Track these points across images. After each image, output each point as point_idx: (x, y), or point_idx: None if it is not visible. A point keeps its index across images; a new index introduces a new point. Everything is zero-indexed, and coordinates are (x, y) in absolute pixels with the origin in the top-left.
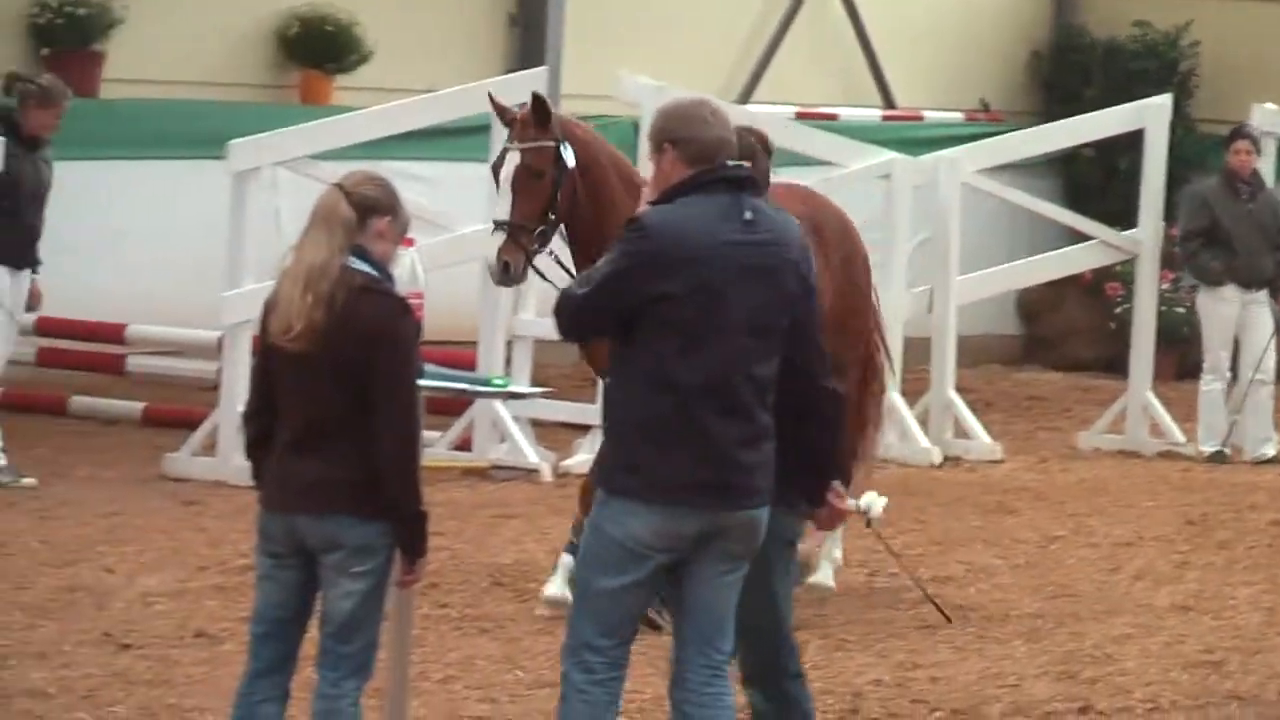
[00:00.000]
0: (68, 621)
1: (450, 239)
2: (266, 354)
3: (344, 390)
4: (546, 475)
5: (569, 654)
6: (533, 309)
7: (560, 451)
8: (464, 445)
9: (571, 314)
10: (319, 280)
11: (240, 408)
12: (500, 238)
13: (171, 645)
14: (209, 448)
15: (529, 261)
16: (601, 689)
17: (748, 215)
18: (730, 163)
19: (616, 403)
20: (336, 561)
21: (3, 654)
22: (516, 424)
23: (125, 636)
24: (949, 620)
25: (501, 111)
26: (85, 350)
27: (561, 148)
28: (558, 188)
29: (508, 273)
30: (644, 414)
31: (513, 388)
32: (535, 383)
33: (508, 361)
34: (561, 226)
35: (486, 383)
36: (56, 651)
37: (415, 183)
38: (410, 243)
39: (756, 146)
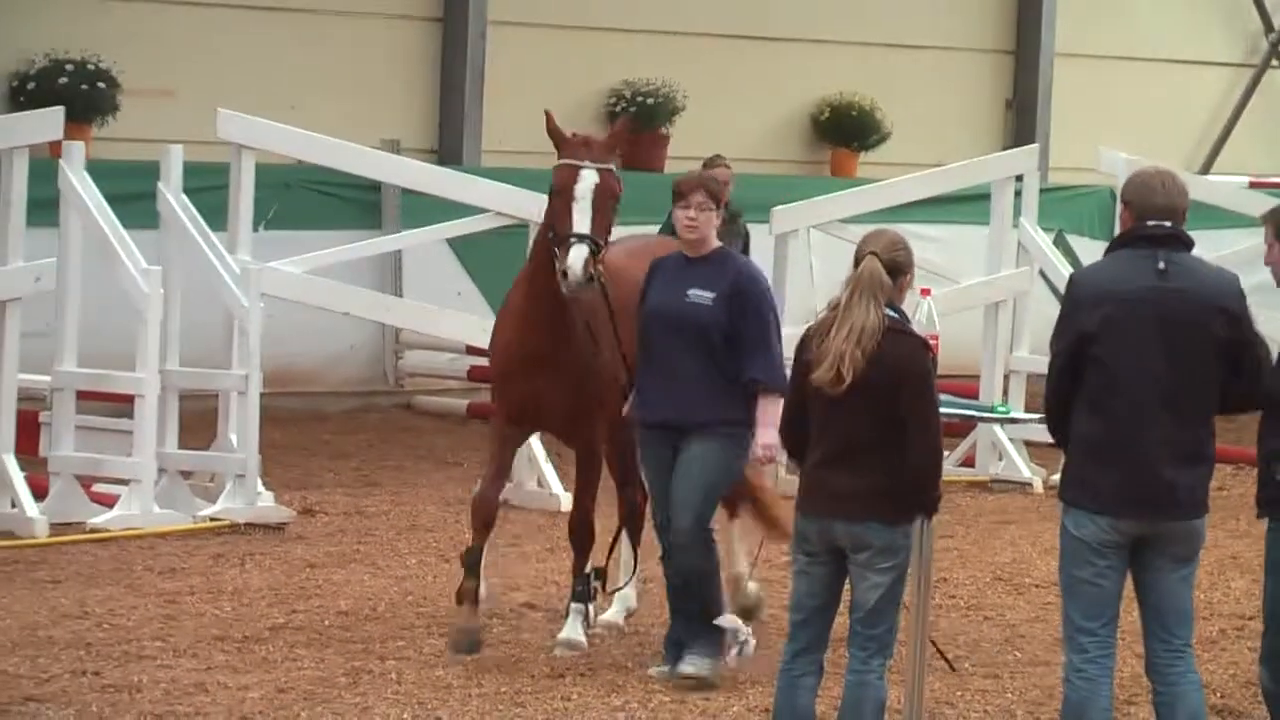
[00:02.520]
0: (645, 608)
1: (957, 289)
2: (804, 386)
3: (877, 416)
4: (1038, 488)
5: (1066, 642)
6: (1026, 347)
7: (1049, 468)
8: (968, 462)
9: (1047, 398)
10: (870, 339)
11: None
12: (585, 249)
13: None
14: None
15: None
16: (1096, 666)
17: (1161, 265)
18: (1150, 223)
19: (1072, 426)
20: (866, 559)
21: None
22: (1013, 445)
23: None
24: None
25: (556, 132)
26: None
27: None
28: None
29: (592, 283)
30: (1085, 436)
31: (1012, 414)
32: (1028, 410)
33: (1005, 391)
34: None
35: (990, 410)
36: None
37: (927, 242)
38: (927, 292)
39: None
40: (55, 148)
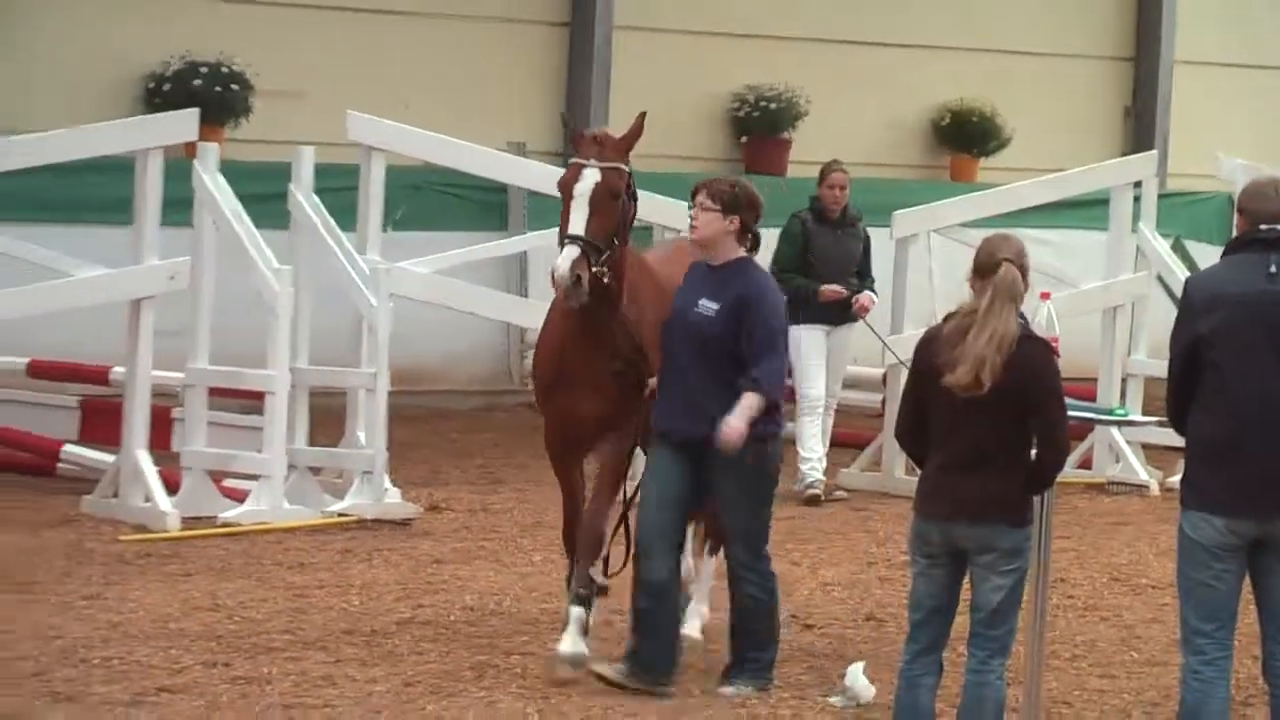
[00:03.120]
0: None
1: (1076, 293)
2: (925, 388)
3: (1005, 420)
4: (1154, 490)
5: (1183, 643)
6: (1144, 350)
7: (1166, 470)
8: (1085, 464)
9: (1168, 401)
10: (1010, 346)
11: None
12: (575, 250)
13: (846, 626)
14: (874, 464)
15: (592, 280)
16: (1212, 668)
17: (1272, 269)
18: (1264, 227)
19: (1189, 429)
20: (990, 561)
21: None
22: (1130, 447)
23: (808, 618)
24: None
25: (578, 134)
26: None
27: (632, 175)
28: (625, 212)
29: (579, 285)
30: (1200, 438)
31: (1130, 417)
32: (1146, 413)
33: (1123, 394)
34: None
35: (1109, 412)
36: None
37: (1046, 247)
38: (1046, 296)
39: (742, 198)
40: (190, 149)
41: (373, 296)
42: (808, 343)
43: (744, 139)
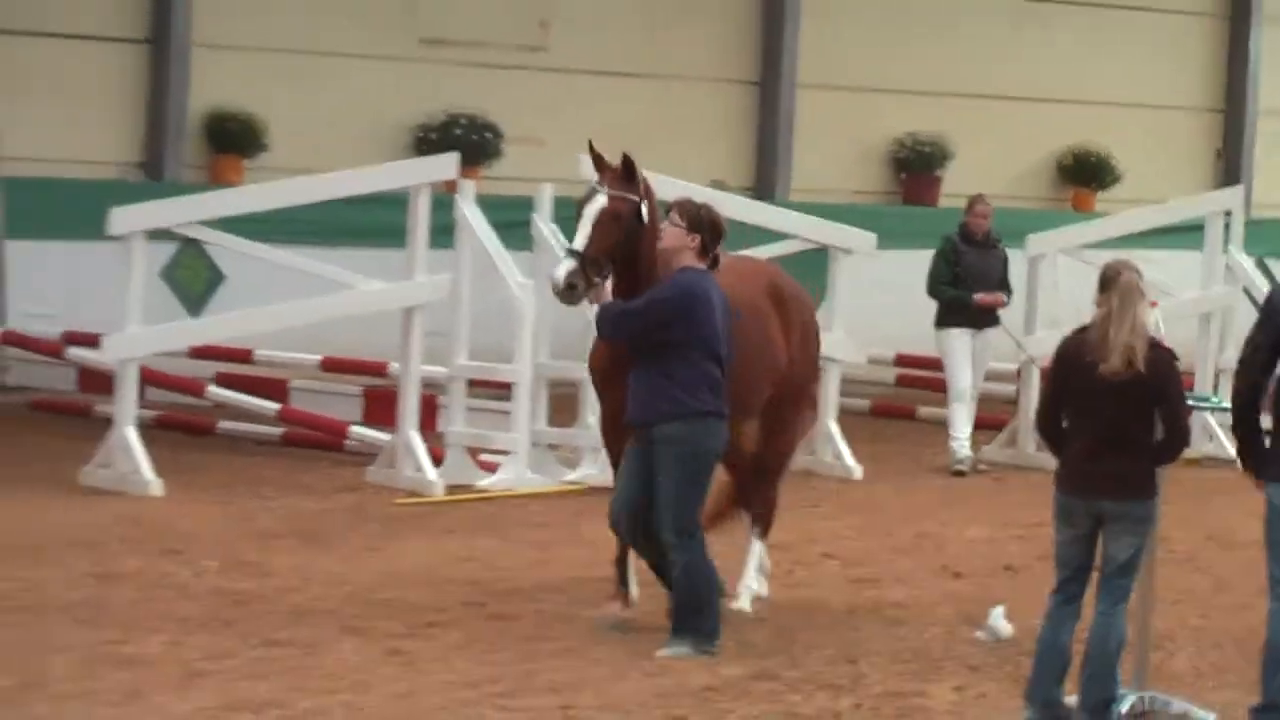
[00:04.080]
0: (919, 557)
1: (1177, 302)
2: (1066, 385)
3: (1137, 408)
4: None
5: (1270, 590)
6: (1232, 350)
7: None
8: None
9: (1238, 387)
10: (1144, 337)
11: (1031, 415)
12: (571, 263)
13: (987, 575)
14: (1010, 443)
15: (587, 288)
16: None
17: None
18: None
19: (1270, 412)
20: (1125, 526)
21: (874, 577)
22: (1221, 429)
23: (957, 569)
24: None
25: (598, 160)
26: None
27: (642, 205)
28: (626, 236)
29: (572, 291)
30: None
31: (1222, 403)
32: None
33: (1215, 385)
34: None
35: (1205, 400)
36: (911, 578)
37: (1151, 265)
38: (1155, 305)
39: (705, 220)
40: (451, 185)
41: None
42: (957, 343)
43: (903, 176)
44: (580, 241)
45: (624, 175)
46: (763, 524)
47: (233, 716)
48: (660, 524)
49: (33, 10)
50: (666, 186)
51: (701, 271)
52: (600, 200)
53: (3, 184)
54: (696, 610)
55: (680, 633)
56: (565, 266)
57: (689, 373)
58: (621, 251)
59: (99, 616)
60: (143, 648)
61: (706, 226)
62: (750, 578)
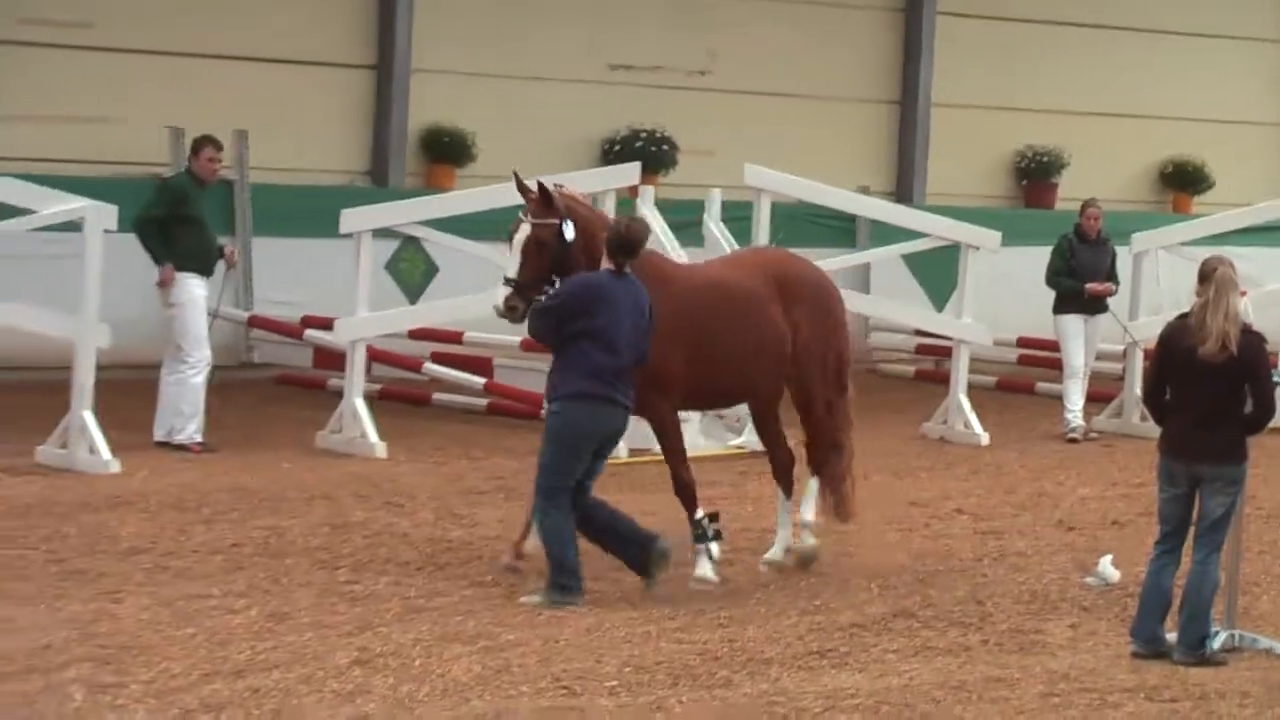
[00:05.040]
0: (1038, 513)
1: (1263, 292)
2: (1170, 365)
3: (1232, 387)
4: None
5: None
6: None
7: None
8: None
9: None
10: (1237, 323)
11: (1138, 391)
12: (507, 290)
13: (1097, 528)
14: (1117, 414)
15: (529, 307)
16: None
17: None
18: None
19: None
20: (1218, 486)
21: (999, 529)
22: None
23: (1071, 522)
24: None
25: (523, 190)
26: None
27: (564, 225)
28: (555, 255)
29: (513, 314)
30: None
31: None
32: None
33: None
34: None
35: None
36: (1031, 530)
37: (1240, 260)
38: (1245, 294)
39: (612, 233)
40: (633, 190)
41: None
42: (1071, 327)
43: (1024, 183)
44: (513, 270)
45: (543, 202)
46: (832, 494)
47: (447, 646)
48: (535, 483)
49: (278, 42)
50: (815, 193)
51: (608, 272)
52: (525, 229)
53: (251, 189)
54: (558, 567)
55: (549, 586)
56: (502, 293)
57: (576, 360)
58: (553, 268)
59: (334, 560)
60: (370, 587)
61: (612, 238)
62: (809, 511)
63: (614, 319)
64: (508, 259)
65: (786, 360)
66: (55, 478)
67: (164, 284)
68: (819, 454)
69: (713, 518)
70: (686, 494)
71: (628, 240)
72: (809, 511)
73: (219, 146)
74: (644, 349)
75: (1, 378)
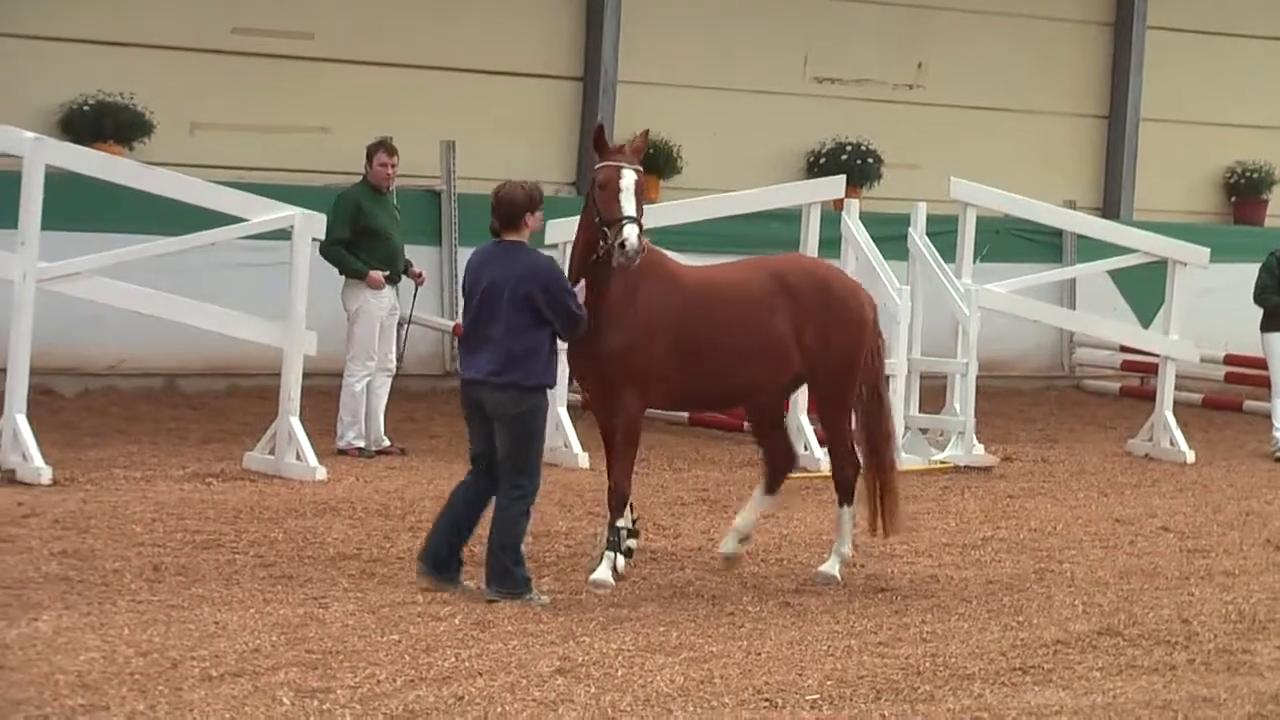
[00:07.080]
0: (1246, 531)
1: None
2: None
3: None
4: None
5: None
6: None
7: None
8: None
9: None
10: None
11: None
12: (636, 228)
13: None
14: None
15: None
16: None
17: None
18: None
19: None
20: None
21: (1205, 548)
22: None
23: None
24: None
25: (603, 141)
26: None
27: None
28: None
29: (641, 255)
30: None
31: None
32: None
33: None
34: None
35: None
36: (1238, 549)
37: None
38: None
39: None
40: (838, 204)
41: (966, 309)
42: None
43: (1233, 199)
44: (633, 209)
45: (636, 151)
46: (883, 512)
47: (650, 657)
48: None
49: (488, 54)
50: (1021, 207)
51: (493, 242)
52: (632, 174)
53: (458, 199)
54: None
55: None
56: (635, 231)
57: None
58: None
59: (537, 569)
60: (573, 596)
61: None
62: (844, 543)
63: (469, 293)
64: (623, 201)
65: (787, 364)
66: (263, 483)
67: (374, 285)
68: (838, 461)
69: (633, 533)
70: (618, 501)
71: (494, 202)
72: (844, 544)
73: (391, 151)
74: (518, 321)
75: (209, 384)
